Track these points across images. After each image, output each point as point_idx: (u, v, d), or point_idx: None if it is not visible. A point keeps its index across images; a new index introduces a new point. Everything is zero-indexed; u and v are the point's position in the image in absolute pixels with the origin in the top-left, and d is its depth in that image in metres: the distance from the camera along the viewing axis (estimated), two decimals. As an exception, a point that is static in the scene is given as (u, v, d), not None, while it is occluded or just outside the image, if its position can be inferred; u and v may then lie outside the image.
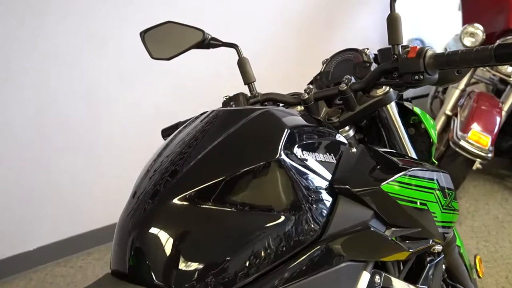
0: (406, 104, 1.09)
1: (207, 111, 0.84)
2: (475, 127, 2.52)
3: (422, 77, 0.84)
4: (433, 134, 1.09)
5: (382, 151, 0.89)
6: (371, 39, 3.59)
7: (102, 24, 2.42)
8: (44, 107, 2.39)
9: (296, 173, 0.69)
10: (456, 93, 2.81)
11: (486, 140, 2.48)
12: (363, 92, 0.94)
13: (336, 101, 1.01)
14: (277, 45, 3.02)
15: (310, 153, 0.74)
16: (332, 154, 0.79)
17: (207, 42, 1.10)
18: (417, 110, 1.08)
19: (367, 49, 1.04)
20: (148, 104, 2.63)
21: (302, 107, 1.00)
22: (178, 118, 1.15)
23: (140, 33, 1.12)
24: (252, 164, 0.66)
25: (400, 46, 0.86)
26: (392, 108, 1.02)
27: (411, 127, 1.10)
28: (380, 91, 0.93)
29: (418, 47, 0.85)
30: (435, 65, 0.83)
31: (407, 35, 3.86)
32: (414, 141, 1.08)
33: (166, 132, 1.13)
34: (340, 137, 0.84)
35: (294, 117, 0.79)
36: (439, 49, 4.10)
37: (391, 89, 0.93)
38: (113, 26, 2.45)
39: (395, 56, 0.86)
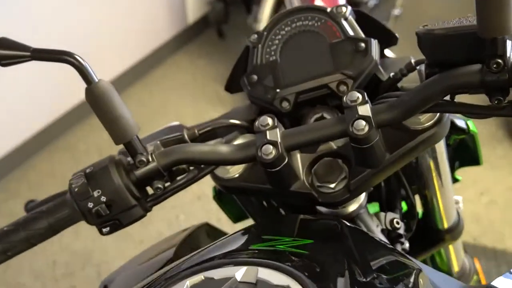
0: (458, 121, 0.66)
1: None
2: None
3: None
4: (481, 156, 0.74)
5: None
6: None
7: None
8: None
9: None
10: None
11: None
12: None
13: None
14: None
15: None
16: None
17: None
18: (475, 129, 0.68)
19: (345, 6, 0.57)
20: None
21: (246, 166, 0.57)
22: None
23: None
24: None
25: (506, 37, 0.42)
26: (441, 147, 0.63)
27: None
28: (426, 119, 0.49)
29: None
30: None
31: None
32: None
33: None
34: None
35: None
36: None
37: (446, 114, 0.51)
38: None
39: (500, 62, 0.41)
